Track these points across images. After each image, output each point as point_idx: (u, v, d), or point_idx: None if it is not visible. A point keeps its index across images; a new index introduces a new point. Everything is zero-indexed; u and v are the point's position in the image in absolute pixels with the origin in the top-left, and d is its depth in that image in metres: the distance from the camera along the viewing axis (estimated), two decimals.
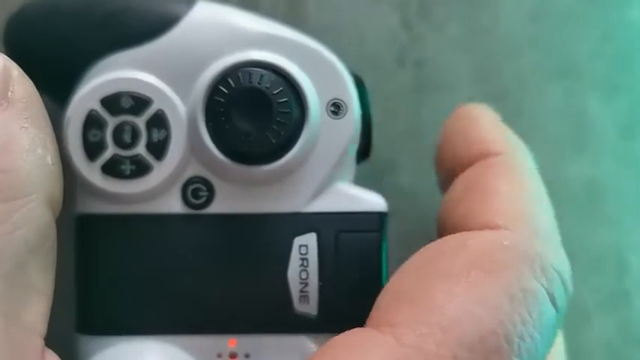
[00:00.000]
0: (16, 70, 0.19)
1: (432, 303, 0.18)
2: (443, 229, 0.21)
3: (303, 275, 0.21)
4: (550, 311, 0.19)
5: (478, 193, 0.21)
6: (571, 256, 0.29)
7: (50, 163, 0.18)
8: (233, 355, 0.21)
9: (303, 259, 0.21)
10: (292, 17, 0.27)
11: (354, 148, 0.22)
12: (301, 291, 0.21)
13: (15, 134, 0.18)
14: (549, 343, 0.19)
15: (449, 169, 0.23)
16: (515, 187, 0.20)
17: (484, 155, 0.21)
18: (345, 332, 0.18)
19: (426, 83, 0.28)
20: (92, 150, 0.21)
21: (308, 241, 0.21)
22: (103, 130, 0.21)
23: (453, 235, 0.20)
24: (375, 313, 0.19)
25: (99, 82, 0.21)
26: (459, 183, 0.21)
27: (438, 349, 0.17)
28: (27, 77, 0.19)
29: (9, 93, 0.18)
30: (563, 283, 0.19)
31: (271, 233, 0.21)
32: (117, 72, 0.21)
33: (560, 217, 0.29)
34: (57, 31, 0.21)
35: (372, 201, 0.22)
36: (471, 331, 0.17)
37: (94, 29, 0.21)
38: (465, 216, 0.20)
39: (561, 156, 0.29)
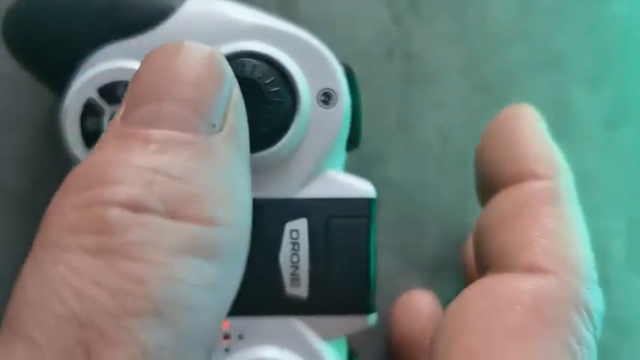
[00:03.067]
0: (236, 89, 0.17)
1: None
2: (480, 244, 0.20)
3: (294, 259, 0.22)
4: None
5: (524, 225, 0.20)
6: None
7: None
8: (227, 336, 0.22)
9: (294, 244, 0.22)
10: (284, 10, 0.28)
11: (343, 136, 0.22)
12: (292, 274, 0.22)
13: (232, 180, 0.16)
14: None
15: (489, 181, 0.21)
16: (563, 223, 0.19)
17: (530, 177, 0.20)
18: None
19: (415, 75, 0.29)
20: (90, 138, 0.21)
21: (299, 226, 0.22)
22: (100, 118, 0.21)
23: (504, 283, 0.19)
24: None
25: (96, 72, 0.21)
26: (503, 203, 0.20)
27: None
28: (243, 101, 0.17)
29: (229, 117, 0.16)
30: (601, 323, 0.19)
31: (263, 218, 0.22)
32: (114, 62, 0.21)
33: None
34: (55, 22, 0.21)
35: (361, 187, 0.22)
36: None
37: (91, 20, 0.21)
38: (511, 246, 0.19)
39: None
